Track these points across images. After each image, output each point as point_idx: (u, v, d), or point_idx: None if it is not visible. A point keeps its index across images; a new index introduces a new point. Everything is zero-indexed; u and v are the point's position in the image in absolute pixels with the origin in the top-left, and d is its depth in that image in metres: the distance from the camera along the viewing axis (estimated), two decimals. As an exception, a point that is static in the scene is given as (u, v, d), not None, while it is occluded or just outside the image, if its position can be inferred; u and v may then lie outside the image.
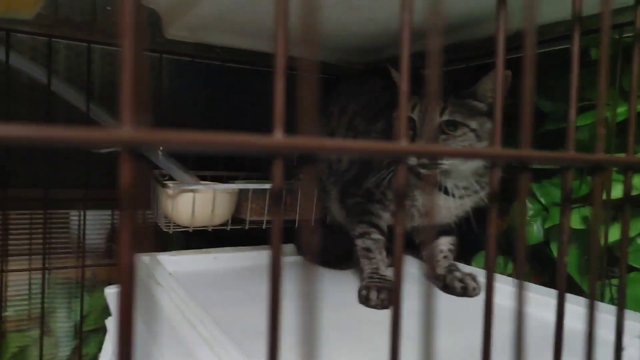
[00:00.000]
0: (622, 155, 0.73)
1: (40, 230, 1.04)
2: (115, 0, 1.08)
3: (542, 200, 0.87)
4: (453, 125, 0.69)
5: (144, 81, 0.16)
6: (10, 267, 1.00)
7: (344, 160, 0.92)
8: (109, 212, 1.14)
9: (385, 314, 0.71)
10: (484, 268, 0.92)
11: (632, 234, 0.74)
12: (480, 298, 0.78)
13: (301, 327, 0.18)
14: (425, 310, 0.21)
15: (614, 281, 0.76)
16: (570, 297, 0.69)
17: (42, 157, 0.98)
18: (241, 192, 0.96)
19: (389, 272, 0.79)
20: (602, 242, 0.75)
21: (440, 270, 0.82)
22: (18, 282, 1.06)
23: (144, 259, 0.87)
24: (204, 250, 0.94)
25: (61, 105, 0.97)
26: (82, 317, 1.03)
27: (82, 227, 1.04)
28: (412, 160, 0.70)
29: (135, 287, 0.19)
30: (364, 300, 0.73)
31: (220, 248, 0.96)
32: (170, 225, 0.93)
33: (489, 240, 0.28)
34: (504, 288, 0.78)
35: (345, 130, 0.92)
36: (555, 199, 0.85)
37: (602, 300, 0.73)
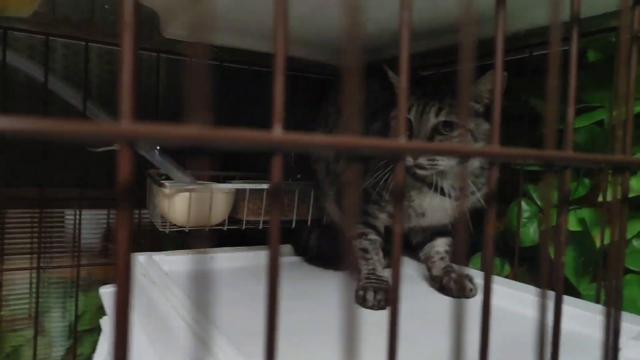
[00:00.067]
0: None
1: (36, 229, 1.04)
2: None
3: (539, 202, 0.87)
4: (449, 126, 0.69)
5: (203, 83, 0.16)
6: (5, 267, 1.00)
7: (341, 161, 0.92)
8: (105, 211, 1.14)
9: (382, 315, 0.71)
10: (480, 269, 0.92)
11: (628, 235, 0.74)
12: (477, 299, 0.78)
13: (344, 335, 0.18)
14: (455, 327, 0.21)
15: (610, 283, 0.77)
16: (566, 299, 0.69)
17: (38, 156, 0.98)
18: (238, 192, 0.96)
19: (385, 273, 0.79)
20: (598, 244, 0.75)
21: (437, 272, 0.82)
22: (12, 282, 1.05)
23: (140, 258, 0.86)
24: (200, 250, 0.94)
25: (58, 104, 0.96)
26: (77, 316, 1.02)
27: (77, 226, 1.03)
28: (409, 161, 0.70)
29: (131, 286, 0.18)
30: (361, 300, 0.73)
31: (217, 248, 0.96)
32: (166, 225, 0.92)
33: (487, 240, 0.28)
34: (501, 289, 0.78)
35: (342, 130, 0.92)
36: (551, 200, 0.85)
37: (597, 302, 0.73)
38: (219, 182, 0.98)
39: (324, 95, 1.02)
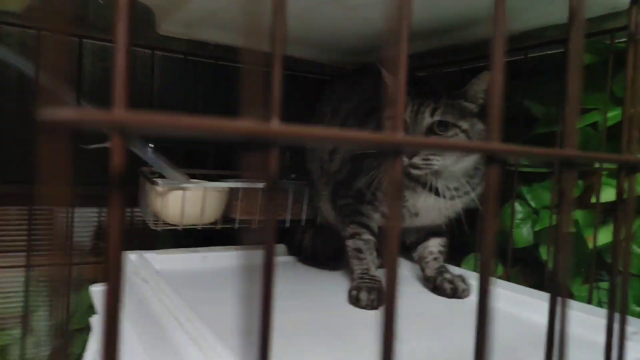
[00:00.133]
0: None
1: (25, 227, 1.02)
2: (107, -5, 1.06)
3: (533, 203, 0.87)
4: (444, 125, 0.69)
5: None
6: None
7: (336, 161, 0.92)
8: (96, 209, 1.13)
9: (376, 315, 0.70)
10: (474, 270, 0.92)
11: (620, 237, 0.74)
12: (470, 300, 0.78)
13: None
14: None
15: (603, 285, 0.77)
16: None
17: (27, 153, 0.96)
18: (231, 190, 0.95)
19: (379, 273, 0.79)
20: (591, 245, 0.76)
21: (431, 272, 0.82)
22: (1, 280, 1.04)
23: (131, 256, 0.86)
24: (192, 249, 0.93)
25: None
26: (67, 316, 1.01)
27: (68, 224, 1.02)
28: (404, 161, 0.70)
29: (122, 284, 0.18)
30: (354, 300, 0.73)
31: (210, 247, 0.95)
32: (158, 223, 0.92)
33: (486, 238, 0.28)
34: (494, 290, 0.78)
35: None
36: (545, 202, 0.85)
37: (590, 302, 0.73)
38: (212, 181, 0.97)
39: (319, 95, 1.02)
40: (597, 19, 0.72)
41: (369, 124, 0.86)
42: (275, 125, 0.18)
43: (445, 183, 0.74)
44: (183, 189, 0.88)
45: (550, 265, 0.81)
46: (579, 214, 0.80)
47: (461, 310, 0.74)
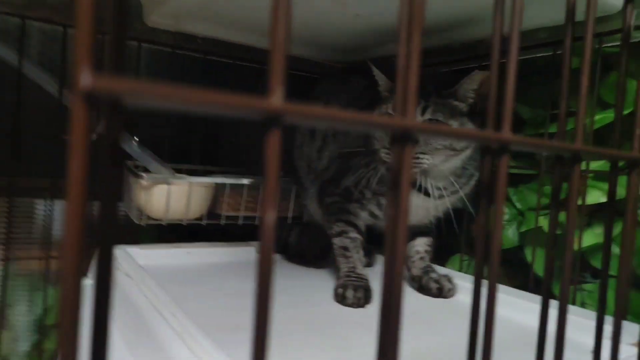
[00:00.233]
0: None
1: (4, 219, 1.00)
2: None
3: (518, 205, 0.88)
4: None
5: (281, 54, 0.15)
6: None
7: (324, 159, 0.91)
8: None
9: (361, 313, 0.70)
10: (459, 270, 0.92)
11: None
12: (456, 299, 0.78)
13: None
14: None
15: (586, 286, 0.78)
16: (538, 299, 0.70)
17: (7, 145, 0.94)
18: (218, 186, 0.94)
19: (365, 272, 0.78)
20: (576, 247, 0.76)
21: (416, 271, 0.82)
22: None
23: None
24: (176, 244, 0.91)
25: (33, 90, 0.93)
26: (45, 310, 0.99)
27: (49, 217, 1.00)
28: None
29: (112, 278, 0.17)
30: (340, 298, 0.72)
31: (194, 243, 0.94)
32: (142, 218, 0.90)
33: (479, 230, 0.28)
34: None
35: (325, 128, 0.91)
36: (531, 203, 0.86)
37: (574, 304, 0.74)
38: (198, 176, 0.96)
39: (307, 93, 1.01)
40: (581, 24, 0.72)
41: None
42: (278, 101, 0.17)
43: (433, 182, 0.74)
44: (168, 183, 0.87)
45: (535, 267, 0.81)
46: (563, 216, 0.81)
47: (447, 309, 0.74)
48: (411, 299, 0.78)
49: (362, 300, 0.72)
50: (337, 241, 0.81)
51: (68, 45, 1.03)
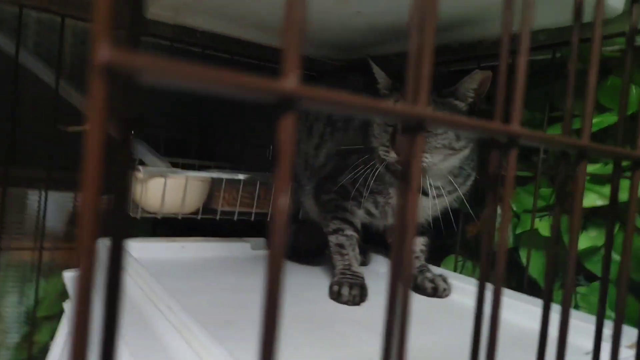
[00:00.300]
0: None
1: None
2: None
3: (514, 207, 0.88)
4: (435, 124, 0.69)
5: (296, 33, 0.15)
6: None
7: (321, 156, 0.91)
8: (71, 194, 1.09)
9: (356, 310, 0.70)
10: (453, 270, 0.92)
11: (599, 243, 0.76)
12: (450, 299, 0.78)
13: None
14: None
15: (580, 289, 0.78)
16: (538, 302, 0.70)
17: (3, 134, 0.93)
18: (214, 181, 0.93)
19: (361, 269, 0.78)
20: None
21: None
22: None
23: (107, 243, 0.83)
24: (171, 238, 0.91)
25: (29, 80, 0.92)
26: (35, 302, 0.98)
27: (42, 208, 0.99)
28: (392, 157, 0.70)
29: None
30: (336, 296, 0.72)
31: (189, 237, 0.93)
32: (137, 211, 0.89)
33: (485, 226, 0.28)
34: (473, 290, 0.79)
35: (323, 125, 0.91)
36: (526, 206, 0.86)
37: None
38: (194, 170, 0.95)
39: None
40: (584, 26, 0.73)
41: (354, 121, 0.86)
42: (292, 83, 0.17)
43: (430, 181, 0.74)
44: (164, 176, 0.86)
45: (530, 269, 0.82)
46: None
47: (442, 309, 0.74)
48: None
49: (358, 297, 0.72)
50: (333, 239, 0.81)
51: (65, 35, 1.02)
